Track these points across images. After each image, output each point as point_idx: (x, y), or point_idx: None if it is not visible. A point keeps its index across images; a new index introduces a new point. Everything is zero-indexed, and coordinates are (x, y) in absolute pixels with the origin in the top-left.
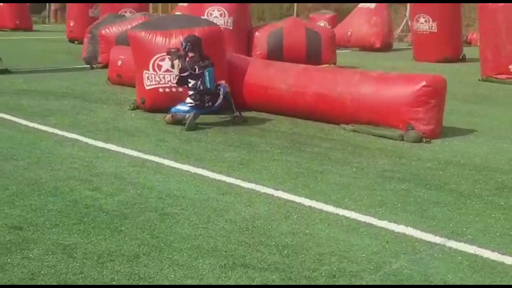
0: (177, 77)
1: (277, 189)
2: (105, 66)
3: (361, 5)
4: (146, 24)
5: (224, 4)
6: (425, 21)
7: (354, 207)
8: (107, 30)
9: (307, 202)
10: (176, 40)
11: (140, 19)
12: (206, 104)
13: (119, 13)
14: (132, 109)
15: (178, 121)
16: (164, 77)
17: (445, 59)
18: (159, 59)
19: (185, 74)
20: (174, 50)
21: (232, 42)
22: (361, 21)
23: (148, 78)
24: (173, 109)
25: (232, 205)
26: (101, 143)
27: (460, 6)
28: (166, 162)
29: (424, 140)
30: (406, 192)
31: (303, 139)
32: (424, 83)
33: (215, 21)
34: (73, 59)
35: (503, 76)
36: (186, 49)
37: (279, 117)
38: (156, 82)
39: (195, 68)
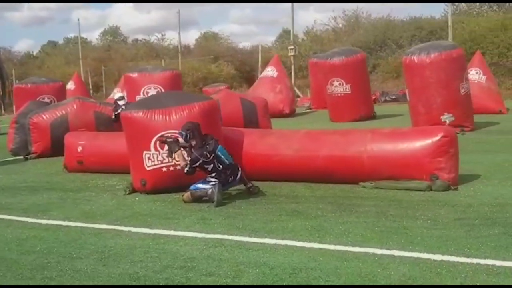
0: (186, 168)
1: (390, 249)
2: (40, 155)
3: (263, 74)
4: (140, 104)
5: (160, 82)
6: (339, 84)
7: (488, 254)
8: (39, 118)
9: (438, 257)
10: (177, 117)
11: (74, 103)
12: (229, 179)
13: (37, 99)
14: (128, 194)
15: (197, 199)
16: (167, 156)
17: (360, 118)
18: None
19: (198, 163)
20: (171, 140)
21: None
22: (266, 90)
23: (149, 158)
24: (192, 187)
25: (375, 271)
26: (147, 230)
27: (367, 68)
28: (243, 238)
29: (452, 187)
30: (506, 235)
31: (340, 200)
32: (442, 134)
33: None
34: None
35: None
36: (188, 138)
37: (287, 183)
38: (159, 162)
39: (206, 155)
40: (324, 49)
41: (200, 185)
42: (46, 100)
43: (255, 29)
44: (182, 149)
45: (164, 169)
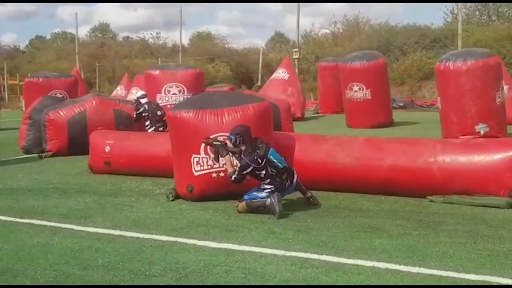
0: (234, 175)
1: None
2: (55, 154)
3: (274, 76)
4: (189, 103)
5: (183, 80)
6: (359, 89)
7: None
8: (56, 114)
9: None
10: (230, 118)
11: (94, 100)
12: (286, 184)
13: (49, 94)
14: (172, 200)
15: (254, 209)
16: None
17: (379, 124)
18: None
19: (249, 170)
20: (219, 143)
21: None
22: (277, 92)
23: (198, 163)
24: (246, 196)
25: None
26: (215, 244)
27: (388, 74)
28: (332, 258)
29: None
30: None
31: (415, 216)
32: None
33: (173, 98)
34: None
35: (469, 137)
36: (238, 143)
37: (343, 193)
38: (209, 167)
39: (257, 160)
40: (325, 53)
41: (255, 193)
42: (58, 95)
43: (243, 31)
44: (230, 154)
45: (214, 174)
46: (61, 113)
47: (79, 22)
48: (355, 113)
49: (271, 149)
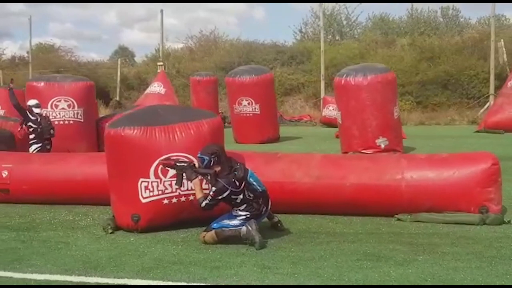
0: (205, 201)
1: None
2: None
3: (149, 90)
4: (132, 119)
5: (72, 93)
6: (248, 103)
7: None
8: None
9: None
10: (183, 136)
11: None
12: (263, 210)
13: None
14: (111, 233)
15: (224, 239)
16: (171, 185)
17: (268, 139)
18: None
19: (225, 194)
20: (185, 165)
21: (85, 137)
22: None
23: (147, 188)
24: (215, 225)
25: None
26: (210, 284)
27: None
28: None
29: (506, 220)
30: None
31: (402, 238)
32: (492, 161)
33: (62, 114)
34: None
35: (370, 151)
36: (212, 164)
37: (303, 216)
38: (160, 192)
39: (235, 183)
40: (185, 67)
41: (226, 221)
42: None
43: (77, 44)
44: (199, 177)
45: (165, 201)
46: None
47: None
48: (243, 128)
49: (249, 170)
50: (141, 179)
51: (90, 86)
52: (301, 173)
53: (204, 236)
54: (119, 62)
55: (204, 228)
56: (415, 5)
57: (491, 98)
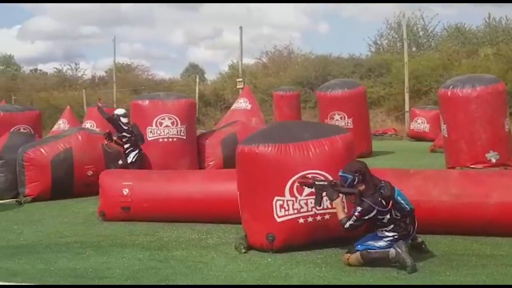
0: (349, 222)
1: None
2: (35, 199)
3: (235, 106)
4: (265, 135)
5: (175, 111)
6: (341, 118)
7: None
8: (37, 152)
9: None
10: (317, 152)
11: (79, 134)
12: (410, 230)
13: (13, 130)
14: (245, 252)
15: (370, 262)
16: (306, 203)
17: (361, 154)
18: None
19: (372, 214)
20: (324, 183)
21: (188, 154)
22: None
23: (282, 206)
24: (360, 247)
25: None
26: None
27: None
28: None
29: None
30: None
31: None
32: None
33: (166, 131)
34: None
35: (480, 165)
36: (355, 182)
37: (440, 236)
38: (295, 211)
39: (381, 202)
40: (261, 83)
41: (371, 243)
42: (22, 131)
43: (147, 63)
44: (341, 196)
45: (301, 220)
46: (42, 151)
47: None
48: None
49: (395, 188)
50: (276, 198)
51: (192, 103)
52: (438, 191)
53: (348, 258)
54: (197, 80)
55: (338, 248)
56: (493, 13)
57: None
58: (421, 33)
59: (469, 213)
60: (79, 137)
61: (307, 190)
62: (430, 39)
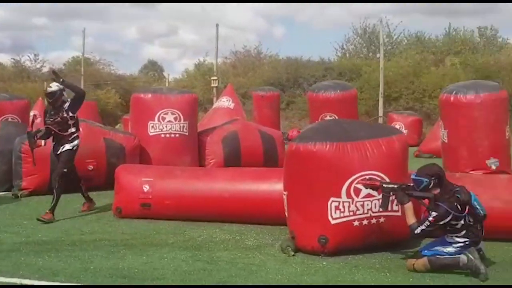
0: (421, 227)
1: None
2: (32, 192)
3: (218, 105)
4: (319, 133)
5: (178, 106)
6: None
7: None
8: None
9: None
10: (375, 152)
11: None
12: (480, 236)
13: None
14: (293, 255)
15: (439, 268)
16: (363, 205)
17: None
18: (356, 181)
19: (447, 220)
20: (393, 186)
21: (189, 151)
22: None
23: (337, 208)
24: (427, 252)
25: None
26: None
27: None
28: None
29: None
30: None
31: None
32: None
33: (168, 127)
34: None
35: (480, 172)
36: (431, 186)
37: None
38: (351, 213)
39: (457, 207)
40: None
41: (439, 248)
42: (10, 120)
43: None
44: (421, 200)
45: (356, 223)
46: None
47: None
48: None
49: (471, 193)
50: (331, 199)
51: (195, 99)
52: (488, 196)
53: (414, 264)
54: (168, 77)
55: (389, 252)
56: (453, 24)
57: None
58: (385, 40)
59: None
60: (80, 129)
61: (364, 192)
62: (395, 47)
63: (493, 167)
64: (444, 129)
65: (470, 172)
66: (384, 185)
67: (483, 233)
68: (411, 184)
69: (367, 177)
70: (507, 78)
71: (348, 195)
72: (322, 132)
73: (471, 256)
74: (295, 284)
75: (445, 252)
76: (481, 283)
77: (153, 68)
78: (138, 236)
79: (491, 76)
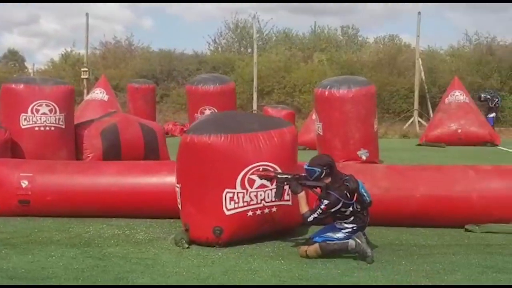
0: (314, 215)
1: None
2: None
3: (90, 96)
4: (212, 125)
5: (54, 97)
6: (211, 113)
7: None
8: None
9: None
10: (268, 144)
11: None
12: (366, 221)
13: None
14: (188, 247)
15: (329, 253)
16: (256, 196)
17: None
18: (250, 172)
19: (338, 207)
20: (287, 176)
21: (66, 145)
22: (98, 115)
23: (232, 199)
24: (318, 238)
25: None
26: None
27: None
28: None
29: None
30: None
31: (501, 250)
32: None
33: (43, 119)
34: None
35: (352, 162)
36: (322, 176)
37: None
38: (245, 204)
39: (346, 195)
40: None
41: (329, 234)
42: None
43: None
44: (310, 189)
45: (250, 213)
46: None
47: None
48: None
49: (359, 181)
50: (226, 190)
51: (71, 90)
52: (368, 184)
53: (306, 250)
54: (33, 67)
55: (279, 241)
56: (318, 22)
57: (416, 113)
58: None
59: (397, 205)
60: None
61: (257, 183)
62: (265, 42)
63: (364, 157)
64: (319, 122)
65: (342, 162)
66: (278, 176)
67: (369, 219)
68: (304, 174)
69: (260, 168)
70: (369, 74)
71: (243, 186)
72: (216, 124)
73: (358, 241)
74: (195, 276)
75: (334, 238)
76: (368, 265)
77: (14, 58)
78: (19, 235)
79: (355, 73)
